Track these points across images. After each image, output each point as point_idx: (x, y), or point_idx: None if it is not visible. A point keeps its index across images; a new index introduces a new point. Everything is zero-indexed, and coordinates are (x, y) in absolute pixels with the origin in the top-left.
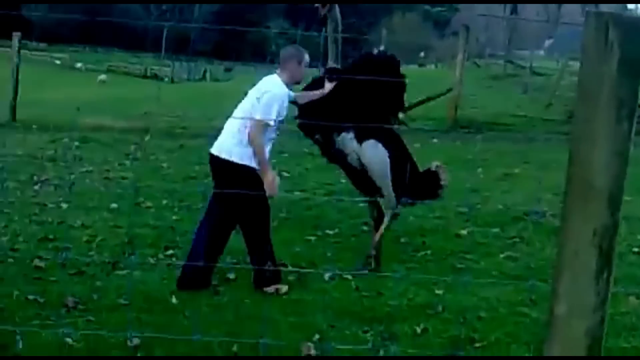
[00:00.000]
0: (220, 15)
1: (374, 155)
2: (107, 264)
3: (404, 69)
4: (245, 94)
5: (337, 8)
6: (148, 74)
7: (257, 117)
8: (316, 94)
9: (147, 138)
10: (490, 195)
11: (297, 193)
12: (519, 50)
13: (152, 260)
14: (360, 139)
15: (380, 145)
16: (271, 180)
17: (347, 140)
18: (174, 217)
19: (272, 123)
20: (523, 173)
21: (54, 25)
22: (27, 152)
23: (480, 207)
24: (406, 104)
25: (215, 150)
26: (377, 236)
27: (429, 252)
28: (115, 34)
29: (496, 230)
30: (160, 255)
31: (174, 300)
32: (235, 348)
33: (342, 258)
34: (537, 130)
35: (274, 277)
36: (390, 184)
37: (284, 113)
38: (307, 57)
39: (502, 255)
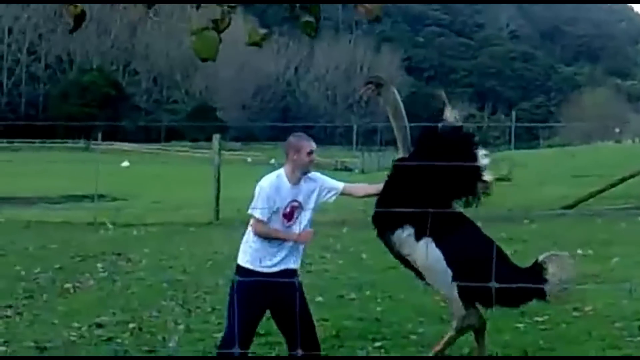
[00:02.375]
0: (406, 104)
1: (424, 257)
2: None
3: (599, 145)
4: None
5: (391, 89)
6: (339, 166)
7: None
8: (372, 187)
9: (344, 230)
10: None
11: None
12: None
13: (361, 353)
14: (415, 237)
15: (432, 244)
16: (296, 236)
17: (402, 239)
18: (378, 309)
19: (257, 215)
20: None
21: (247, 126)
22: (233, 248)
23: None
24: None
25: None
26: (442, 345)
27: None
28: (306, 129)
29: None
30: (369, 348)
31: None
32: None
33: (555, 347)
34: None
35: None
36: (451, 287)
37: (279, 203)
38: (306, 143)
39: None
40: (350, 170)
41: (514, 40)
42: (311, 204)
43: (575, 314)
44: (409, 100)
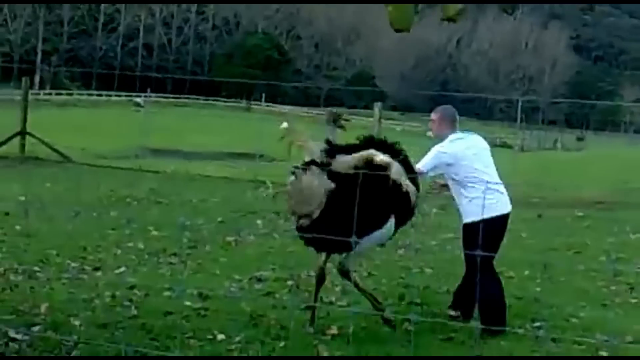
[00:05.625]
0: (571, 85)
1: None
2: (475, 331)
3: None
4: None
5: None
6: (498, 142)
7: None
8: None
9: None
10: None
11: None
12: None
13: (520, 331)
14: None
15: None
16: None
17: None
18: (537, 289)
19: None
20: None
21: (406, 96)
22: None
23: None
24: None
25: None
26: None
27: None
28: (466, 103)
29: None
30: (528, 327)
31: None
32: None
33: None
34: None
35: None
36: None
37: None
38: None
39: None
40: (510, 147)
41: None
42: None
43: None
44: (575, 79)
